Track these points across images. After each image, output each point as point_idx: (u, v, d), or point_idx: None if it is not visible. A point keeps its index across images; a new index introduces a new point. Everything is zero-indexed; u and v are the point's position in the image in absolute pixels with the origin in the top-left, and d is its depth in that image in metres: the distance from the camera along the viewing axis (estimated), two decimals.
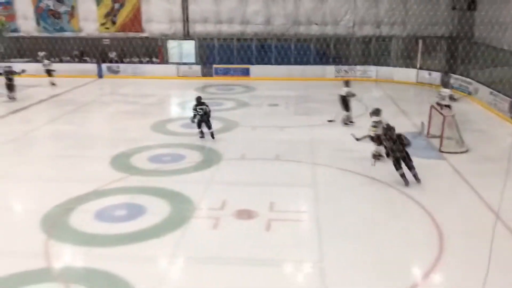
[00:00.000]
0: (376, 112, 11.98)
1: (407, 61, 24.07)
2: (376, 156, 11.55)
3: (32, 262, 7.28)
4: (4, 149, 13.20)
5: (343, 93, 15.26)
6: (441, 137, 12.60)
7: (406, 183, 10.08)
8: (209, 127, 13.72)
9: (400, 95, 20.32)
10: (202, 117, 13.57)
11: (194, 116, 13.59)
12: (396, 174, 10.20)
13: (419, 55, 23.53)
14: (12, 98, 18.76)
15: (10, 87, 18.66)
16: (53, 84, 22.66)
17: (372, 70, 24.17)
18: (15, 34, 26.79)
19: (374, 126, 11.56)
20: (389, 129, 10.52)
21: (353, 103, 15.68)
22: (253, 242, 7.98)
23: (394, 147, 10.17)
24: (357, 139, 12.74)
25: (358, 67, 24.42)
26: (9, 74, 18.63)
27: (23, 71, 19.04)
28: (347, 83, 15.67)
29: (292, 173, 11.17)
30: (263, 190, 10.14)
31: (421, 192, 9.84)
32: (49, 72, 23.05)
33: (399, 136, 10.29)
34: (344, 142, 13.35)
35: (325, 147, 13.08)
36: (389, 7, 24.30)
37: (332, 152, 12.58)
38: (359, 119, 15.37)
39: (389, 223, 8.67)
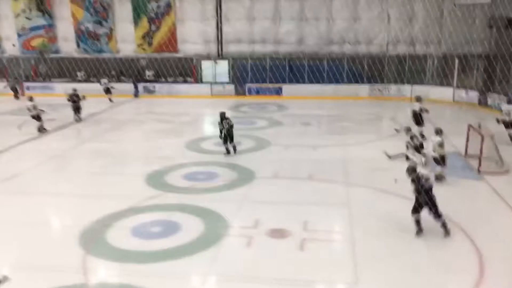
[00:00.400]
0: (439, 131, 11.72)
1: (444, 79, 23.69)
2: (439, 178, 11.19)
3: (70, 277, 7.45)
4: (44, 166, 13.65)
5: (416, 109, 15.47)
6: (479, 157, 12.28)
7: (417, 231, 8.61)
8: (231, 140, 14.17)
9: (437, 114, 19.89)
10: (228, 131, 13.94)
11: (221, 131, 14.04)
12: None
13: (455, 73, 23.13)
14: (78, 120, 19.58)
15: (77, 109, 19.52)
16: (111, 101, 23.92)
17: (407, 89, 23.90)
18: (56, 55, 27.94)
19: (440, 145, 11.34)
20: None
21: (387, 122, 15.55)
22: (286, 261, 7.93)
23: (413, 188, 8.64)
24: (389, 157, 12.65)
25: (393, 86, 24.20)
26: (76, 97, 19.48)
27: (84, 97, 19.74)
28: (418, 99, 16.00)
29: (325, 193, 11.08)
30: (297, 209, 10.10)
31: (460, 214, 9.55)
32: (108, 90, 24.29)
33: (418, 177, 8.55)
34: (379, 161, 13.22)
35: (359, 167, 12.93)
36: (424, 26, 24.13)
37: (367, 172, 12.43)
38: (392, 138, 15.21)
39: (426, 245, 8.44)
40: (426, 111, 15.32)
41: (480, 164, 12.22)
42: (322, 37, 25.17)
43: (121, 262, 7.98)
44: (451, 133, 16.28)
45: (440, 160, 11.40)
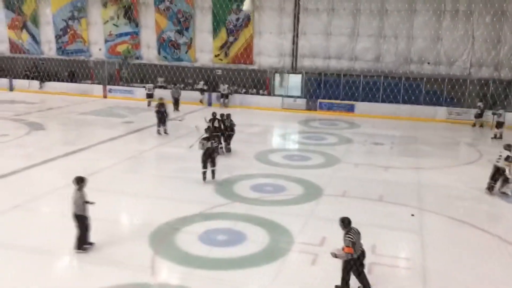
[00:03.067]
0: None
1: None
2: None
3: (138, 275, 7.70)
4: (121, 166, 14.27)
5: None
6: None
7: None
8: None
9: None
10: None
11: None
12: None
13: None
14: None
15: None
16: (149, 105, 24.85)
17: (489, 115, 22.62)
18: (138, 61, 29.34)
19: None
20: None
21: (466, 148, 14.79)
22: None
23: None
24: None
25: (473, 110, 23.00)
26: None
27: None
28: None
29: (396, 217, 10.67)
30: (365, 231, 9.62)
31: None
32: (151, 96, 25.60)
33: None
34: (455, 189, 12.61)
35: (434, 193, 12.35)
36: (510, 50, 22.78)
37: (441, 199, 11.84)
38: (471, 165, 14.44)
39: (504, 282, 7.87)
40: None
41: None
42: (401, 55, 24.48)
43: (187, 266, 8.12)
44: None
45: None
